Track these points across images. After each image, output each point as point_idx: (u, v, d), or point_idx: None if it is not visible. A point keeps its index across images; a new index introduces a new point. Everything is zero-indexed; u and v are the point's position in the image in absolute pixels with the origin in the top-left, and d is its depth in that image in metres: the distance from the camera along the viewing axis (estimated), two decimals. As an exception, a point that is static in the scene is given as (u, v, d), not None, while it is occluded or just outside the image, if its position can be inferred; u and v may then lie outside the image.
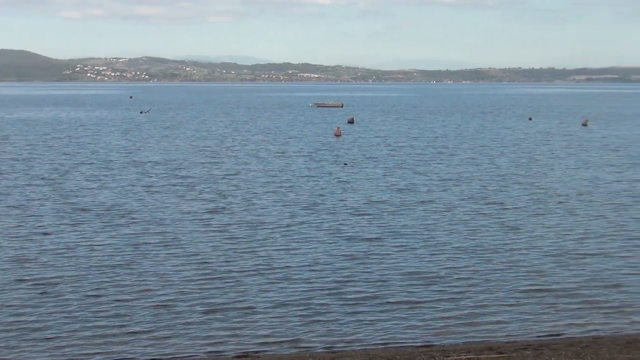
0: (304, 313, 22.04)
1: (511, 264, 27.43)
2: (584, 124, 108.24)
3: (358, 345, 19.71)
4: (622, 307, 22.74)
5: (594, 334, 20.58)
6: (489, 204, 40.13)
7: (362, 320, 21.46)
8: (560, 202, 40.66)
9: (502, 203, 40.33)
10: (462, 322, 21.42)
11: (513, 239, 31.75)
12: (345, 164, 58.03)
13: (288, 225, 34.25)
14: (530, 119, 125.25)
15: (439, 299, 23.28)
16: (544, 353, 18.32)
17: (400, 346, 19.65)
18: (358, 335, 20.44)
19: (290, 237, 31.87)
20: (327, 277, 25.75)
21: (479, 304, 22.88)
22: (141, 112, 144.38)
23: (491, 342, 19.82)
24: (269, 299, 23.23)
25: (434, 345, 19.66)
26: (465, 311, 22.25)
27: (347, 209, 38.36)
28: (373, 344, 19.79)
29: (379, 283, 25.03)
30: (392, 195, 42.75)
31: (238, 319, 21.53)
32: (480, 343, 19.80)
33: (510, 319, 21.68)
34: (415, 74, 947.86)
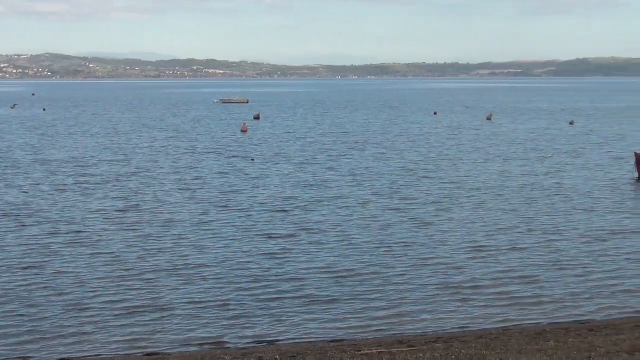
0: (218, 311, 21.85)
1: (424, 259, 27.54)
2: (489, 118, 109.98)
3: (271, 342, 19.57)
4: (532, 299, 23.00)
5: (503, 325, 20.75)
6: (400, 199, 40.30)
7: (276, 317, 21.35)
8: (470, 197, 41.04)
9: (413, 198, 40.53)
10: (375, 316, 21.45)
11: (426, 233, 31.88)
12: (253, 159, 57.90)
13: (201, 223, 33.92)
14: (435, 113, 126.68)
15: (352, 295, 23.26)
16: (454, 345, 18.38)
17: (312, 341, 19.59)
18: (272, 331, 20.31)
19: (203, 235, 31.56)
20: (241, 274, 25.53)
21: (392, 298, 22.94)
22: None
23: (402, 336, 19.83)
24: (183, 298, 22.93)
25: (346, 340, 19.62)
26: (379, 306, 22.26)
27: (259, 206, 38.17)
28: (286, 340, 19.68)
29: (293, 279, 24.93)
30: (305, 191, 42.70)
31: (152, 318, 21.19)
32: (391, 337, 19.81)
33: (423, 313, 21.76)
34: (320, 69, 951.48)
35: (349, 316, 21.49)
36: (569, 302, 22.81)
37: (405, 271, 25.92)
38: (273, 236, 31.41)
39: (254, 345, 19.44)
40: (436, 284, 24.40)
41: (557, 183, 45.92)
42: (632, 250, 28.92)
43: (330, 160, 57.95)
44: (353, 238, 30.98)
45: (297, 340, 19.76)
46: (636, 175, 48.58)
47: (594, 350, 17.39)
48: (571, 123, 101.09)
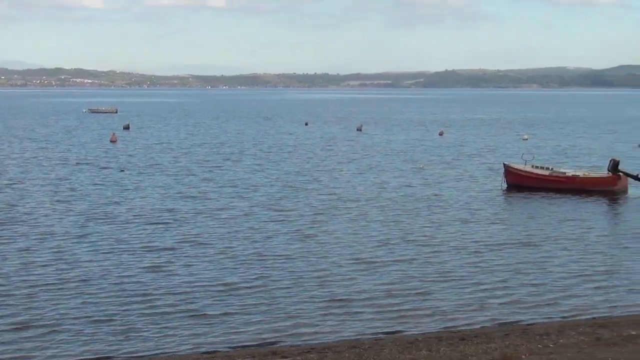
0: (102, 326, 21.47)
1: (306, 271, 27.60)
2: (359, 129, 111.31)
3: (142, 355, 19.48)
4: (410, 310, 23.36)
5: (377, 336, 21.02)
6: (280, 210, 40.30)
7: (157, 331, 21.15)
8: (350, 208, 41.32)
9: (293, 210, 40.59)
10: (254, 329, 21.43)
11: (308, 246, 31.93)
12: (123, 170, 57.15)
13: (80, 236, 33.19)
14: (306, 124, 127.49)
15: (232, 308, 23.20)
16: (327, 355, 18.65)
17: (184, 354, 19.57)
18: (148, 345, 20.15)
19: (83, 249, 30.86)
20: (123, 288, 25.13)
21: (271, 311, 22.97)
22: None
23: (276, 347, 19.95)
24: (65, 313, 22.42)
25: (219, 352, 19.66)
26: (259, 319, 22.23)
27: (138, 218, 37.64)
28: (159, 353, 19.65)
29: (176, 293, 24.66)
30: (183, 203, 42.32)
31: (32, 337, 20.62)
32: (264, 348, 19.88)
33: (303, 325, 21.84)
34: (191, 79, 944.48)
35: (225, 329, 21.41)
36: (444, 312, 23.24)
37: (286, 284, 25.94)
38: (155, 249, 30.99)
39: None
40: (317, 297, 24.47)
41: (433, 194, 46.60)
42: (505, 262, 29.58)
43: (206, 171, 57.57)
44: (235, 251, 30.82)
45: (169, 354, 19.66)
46: (505, 185, 49.99)
47: (466, 359, 17.93)
48: (440, 134, 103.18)
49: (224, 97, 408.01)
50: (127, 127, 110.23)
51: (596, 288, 26.08)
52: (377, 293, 24.95)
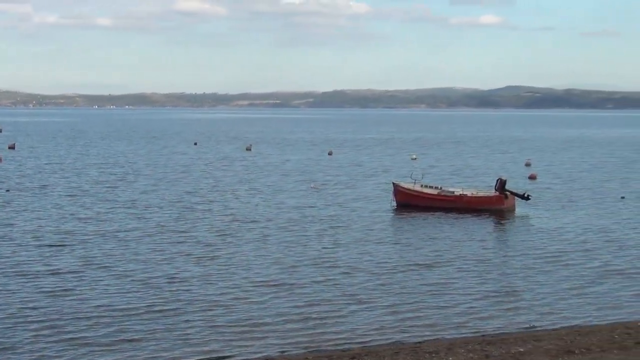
0: (7, 354, 21.44)
1: (210, 295, 27.80)
2: (248, 149, 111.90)
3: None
4: (305, 330, 24.11)
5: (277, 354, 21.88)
6: (181, 232, 40.38)
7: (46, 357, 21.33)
8: (251, 229, 41.63)
9: (194, 231, 40.64)
10: (160, 355, 21.77)
11: (212, 269, 32.01)
12: (8, 190, 56.40)
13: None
14: (195, 144, 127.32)
15: (139, 334, 23.33)
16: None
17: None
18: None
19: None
20: (23, 313, 25.03)
21: (176, 336, 23.24)
22: None
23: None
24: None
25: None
26: (164, 345, 22.48)
27: (35, 240, 37.27)
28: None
29: (76, 318, 24.65)
30: (80, 225, 42.02)
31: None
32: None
33: (173, 347, 22.32)
34: (77, 98, 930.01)
35: (131, 356, 21.66)
36: (337, 332, 23.93)
37: (191, 308, 26.13)
38: (55, 272, 30.76)
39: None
40: (223, 321, 24.78)
41: (327, 215, 47.29)
42: (397, 282, 30.34)
43: (101, 192, 57.13)
44: (137, 274, 30.81)
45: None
46: (395, 204, 51.11)
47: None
48: (329, 154, 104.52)
49: (112, 116, 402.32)
50: (12, 147, 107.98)
51: (485, 306, 27.01)
52: (274, 316, 25.31)
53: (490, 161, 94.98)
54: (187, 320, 24.66)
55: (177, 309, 25.95)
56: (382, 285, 29.70)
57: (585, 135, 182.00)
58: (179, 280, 29.95)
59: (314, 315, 25.47)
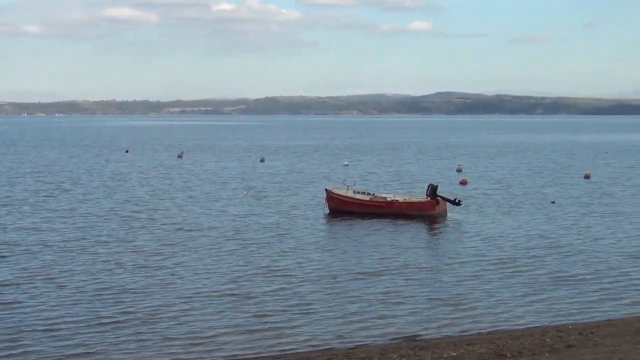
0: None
1: (158, 307, 27.80)
2: (179, 156, 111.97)
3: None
4: (237, 335, 24.74)
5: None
6: (123, 242, 40.25)
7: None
8: (193, 238, 41.77)
9: (137, 242, 40.53)
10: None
11: (158, 279, 31.99)
12: None
13: None
14: (127, 151, 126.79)
15: (88, 348, 23.41)
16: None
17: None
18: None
19: None
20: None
21: (124, 349, 23.43)
22: None
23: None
24: None
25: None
26: (99, 358, 22.71)
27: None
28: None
29: (23, 331, 24.71)
30: (20, 235, 41.75)
31: None
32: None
33: None
34: (6, 106, 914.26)
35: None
36: (273, 336, 24.66)
37: (137, 319, 26.23)
38: (-2, 283, 30.57)
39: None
40: (168, 334, 24.84)
41: (264, 223, 47.56)
42: (330, 288, 30.80)
43: (37, 201, 56.78)
44: (81, 285, 30.72)
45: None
46: (327, 211, 51.91)
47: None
48: (262, 160, 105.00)
49: (42, 124, 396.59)
50: None
51: (420, 311, 27.64)
52: (218, 328, 25.58)
53: (423, 167, 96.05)
54: (137, 332, 24.79)
55: (125, 320, 25.94)
56: (319, 292, 30.15)
57: (517, 140, 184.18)
58: (125, 291, 29.89)
59: (252, 326, 25.73)
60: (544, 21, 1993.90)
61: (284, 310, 27.54)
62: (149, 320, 26.11)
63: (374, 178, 78.93)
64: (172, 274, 32.92)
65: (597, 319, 26.85)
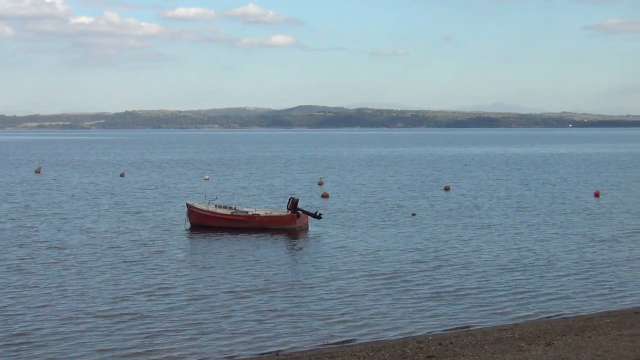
0: None
1: (29, 329, 27.10)
2: (37, 171, 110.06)
3: None
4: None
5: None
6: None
7: None
8: (59, 256, 40.69)
9: (6, 260, 39.29)
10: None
11: (35, 300, 31.12)
12: None
13: None
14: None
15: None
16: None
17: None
18: None
19: None
20: None
21: None
22: None
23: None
24: None
25: None
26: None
27: None
28: None
29: None
30: None
31: None
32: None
33: None
34: None
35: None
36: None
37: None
38: None
39: None
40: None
41: (131, 240, 46.65)
42: (186, 307, 30.48)
43: None
44: None
45: None
46: (189, 225, 51.32)
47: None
48: (121, 175, 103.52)
49: None
50: None
51: (280, 325, 27.57)
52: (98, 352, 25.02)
53: (287, 180, 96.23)
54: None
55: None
56: (174, 310, 29.72)
57: (378, 153, 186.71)
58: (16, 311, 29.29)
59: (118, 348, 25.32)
60: (405, 35, 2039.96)
61: (144, 330, 26.98)
62: (14, 343, 25.40)
63: (237, 192, 78.64)
64: (52, 294, 32.04)
65: (457, 330, 27.09)
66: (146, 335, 26.39)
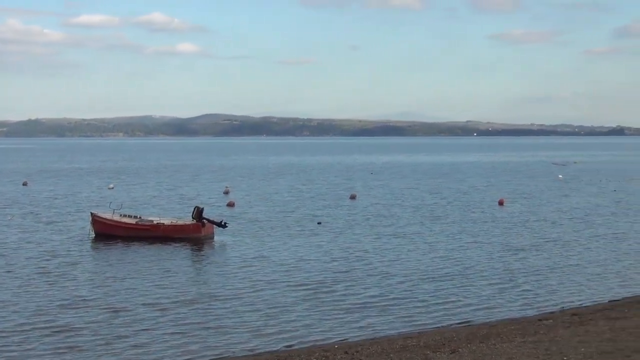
0: None
1: None
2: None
3: None
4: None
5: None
6: None
7: None
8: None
9: None
10: None
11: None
12: None
13: None
14: None
15: None
16: None
17: None
18: None
19: None
20: None
21: None
22: None
23: None
24: None
25: None
26: None
27: None
28: None
29: None
30: None
31: None
32: None
33: None
34: None
35: None
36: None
37: None
38: None
39: None
40: None
41: (36, 250, 45.60)
42: (87, 320, 30.08)
43: None
44: None
45: None
46: (93, 235, 50.49)
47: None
48: (24, 184, 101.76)
49: None
50: None
51: (171, 338, 27.07)
52: None
53: (193, 189, 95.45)
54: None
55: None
56: (92, 324, 28.98)
57: (285, 162, 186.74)
58: None
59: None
60: (311, 43, 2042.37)
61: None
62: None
63: (146, 201, 77.88)
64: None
65: (364, 338, 26.99)
66: (68, 348, 25.79)
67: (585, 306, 31.91)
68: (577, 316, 28.46)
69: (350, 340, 26.81)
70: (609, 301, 32.92)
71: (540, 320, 28.37)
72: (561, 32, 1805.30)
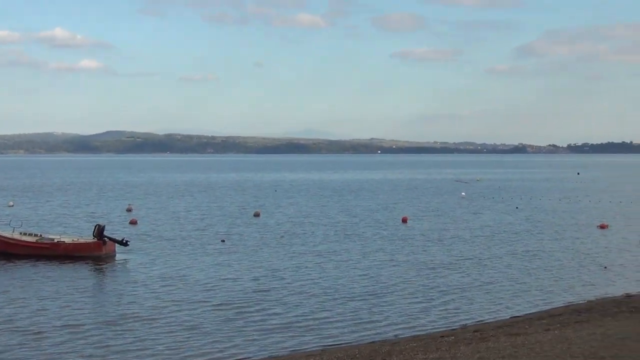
0: None
1: None
2: None
3: None
4: None
5: None
6: None
7: None
8: None
9: None
10: None
11: None
12: None
13: None
14: None
15: None
16: None
17: None
18: None
19: None
20: None
21: None
22: None
23: None
24: None
25: None
26: None
27: None
28: None
29: None
30: None
31: None
32: None
33: None
34: None
35: None
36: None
37: None
38: None
39: None
40: None
41: None
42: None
43: None
44: None
45: None
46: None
47: None
48: None
49: None
50: None
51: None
52: None
53: (95, 207, 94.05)
54: None
55: None
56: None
57: (188, 179, 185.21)
58: None
59: None
60: (215, 60, 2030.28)
61: None
62: None
63: (48, 219, 76.45)
64: None
65: (267, 357, 26.99)
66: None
67: (487, 322, 32.34)
68: (479, 332, 28.78)
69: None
70: (511, 317, 33.43)
71: (442, 336, 28.61)
72: (462, 51, 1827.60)
